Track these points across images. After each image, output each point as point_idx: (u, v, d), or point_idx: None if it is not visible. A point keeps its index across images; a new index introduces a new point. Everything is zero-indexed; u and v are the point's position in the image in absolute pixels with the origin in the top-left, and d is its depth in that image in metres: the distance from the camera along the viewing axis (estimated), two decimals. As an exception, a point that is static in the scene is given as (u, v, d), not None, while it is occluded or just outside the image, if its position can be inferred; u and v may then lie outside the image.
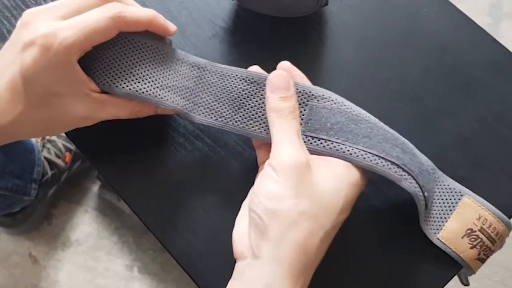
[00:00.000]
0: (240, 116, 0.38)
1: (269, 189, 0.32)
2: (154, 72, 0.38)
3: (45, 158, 0.97)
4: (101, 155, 0.44)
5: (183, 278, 1.04)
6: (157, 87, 0.38)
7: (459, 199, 0.38)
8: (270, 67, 0.45)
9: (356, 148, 0.35)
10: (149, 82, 0.37)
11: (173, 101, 0.38)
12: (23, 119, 0.35)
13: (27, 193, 0.91)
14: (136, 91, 0.37)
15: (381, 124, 0.37)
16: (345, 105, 0.37)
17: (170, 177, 0.43)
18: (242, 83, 0.38)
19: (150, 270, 1.06)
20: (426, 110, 0.44)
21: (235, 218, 0.42)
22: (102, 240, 1.08)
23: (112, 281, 1.05)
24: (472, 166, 0.43)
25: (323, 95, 0.37)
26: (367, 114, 0.37)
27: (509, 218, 0.42)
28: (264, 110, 0.37)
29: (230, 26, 0.46)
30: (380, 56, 0.46)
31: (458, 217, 0.38)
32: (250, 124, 0.38)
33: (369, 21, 0.47)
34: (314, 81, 0.45)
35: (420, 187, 0.35)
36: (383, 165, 0.34)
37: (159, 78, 0.38)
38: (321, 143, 0.36)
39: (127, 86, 0.37)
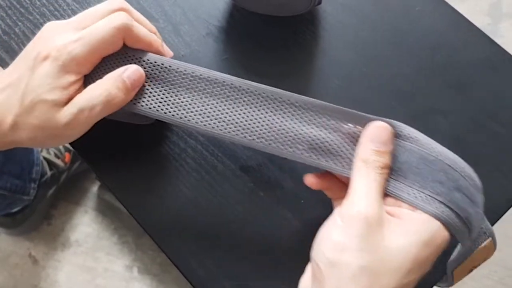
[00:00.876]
0: (288, 139, 0.35)
1: (333, 238, 0.31)
2: (161, 90, 0.37)
3: (44, 158, 0.97)
4: (95, 153, 0.44)
5: (182, 278, 1.04)
6: (167, 104, 0.37)
7: (484, 239, 0.36)
8: (264, 66, 0.46)
9: (423, 193, 0.32)
10: (156, 99, 0.37)
11: (189, 119, 0.36)
12: (21, 123, 0.35)
13: (26, 193, 0.91)
14: (148, 107, 0.37)
15: (459, 163, 0.34)
16: (418, 140, 0.34)
17: (163, 175, 0.43)
18: (287, 108, 0.35)
19: (150, 271, 1.06)
20: (419, 109, 0.44)
21: (229, 218, 0.42)
22: (102, 240, 1.08)
23: (112, 282, 1.05)
24: (466, 164, 0.42)
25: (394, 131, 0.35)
26: (445, 153, 0.34)
27: (503, 214, 0.42)
28: (322, 138, 0.35)
29: (224, 25, 0.47)
30: (374, 55, 0.46)
31: (475, 256, 0.37)
32: (298, 148, 0.35)
33: (363, 20, 0.47)
34: (308, 80, 0.45)
35: (471, 240, 0.34)
36: (447, 215, 0.32)
37: (169, 95, 0.37)
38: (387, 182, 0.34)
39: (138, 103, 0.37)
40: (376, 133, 0.33)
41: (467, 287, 1.01)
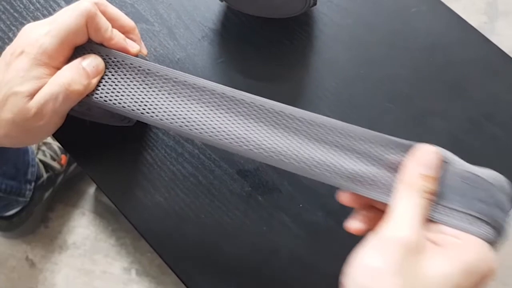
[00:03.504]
0: (295, 153, 0.34)
1: (367, 263, 0.29)
2: (123, 85, 0.37)
3: (41, 160, 0.97)
4: (89, 156, 0.44)
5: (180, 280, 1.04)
6: (130, 98, 0.37)
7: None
8: (259, 68, 0.45)
9: (467, 214, 0.31)
10: (118, 93, 0.37)
11: (154, 116, 0.36)
12: None
13: (22, 194, 0.91)
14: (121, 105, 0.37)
15: (497, 177, 0.32)
16: (456, 161, 0.33)
17: (160, 180, 0.43)
18: (296, 122, 0.35)
19: (148, 273, 1.06)
20: (417, 110, 0.44)
21: (227, 222, 0.42)
22: (100, 242, 1.08)
23: (110, 284, 1.05)
24: (464, 166, 0.42)
25: None
26: (480, 169, 0.32)
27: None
28: (332, 155, 0.34)
29: (219, 28, 0.46)
30: (370, 56, 0.45)
31: None
32: (307, 162, 0.34)
33: (359, 21, 0.46)
34: (304, 83, 0.45)
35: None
36: (492, 235, 0.31)
37: (132, 91, 0.37)
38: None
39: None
40: (424, 157, 0.32)
41: (465, 285, 1.01)
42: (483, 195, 0.31)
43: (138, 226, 0.42)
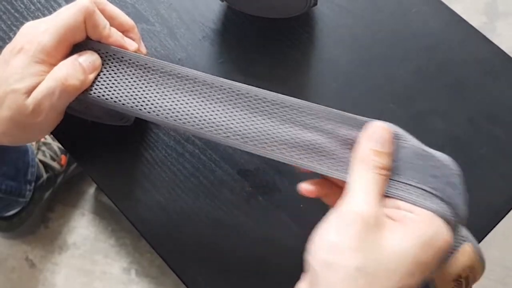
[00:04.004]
0: (262, 137, 0.34)
1: (329, 239, 0.29)
2: (119, 81, 0.37)
3: (40, 161, 0.97)
4: (89, 157, 0.43)
5: (181, 281, 1.03)
6: (134, 98, 0.37)
7: (460, 243, 0.35)
8: (260, 68, 0.45)
9: (421, 189, 0.32)
10: (114, 90, 0.37)
11: (157, 113, 0.36)
12: None
13: (22, 195, 0.91)
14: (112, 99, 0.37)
15: (447, 158, 0.33)
16: (407, 137, 0.33)
17: (161, 180, 0.43)
18: (265, 103, 0.35)
19: (148, 273, 1.06)
20: (418, 111, 0.44)
21: (228, 223, 0.42)
22: (99, 243, 1.08)
23: (110, 284, 1.05)
24: (464, 166, 0.42)
25: None
26: (431, 149, 0.33)
27: (503, 217, 0.42)
28: (315, 141, 0.34)
29: (220, 28, 0.46)
30: (371, 57, 0.45)
31: (455, 262, 0.35)
32: (272, 145, 0.34)
33: (360, 21, 0.46)
34: (305, 83, 0.45)
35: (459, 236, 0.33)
36: (446, 211, 0.31)
37: (131, 88, 0.37)
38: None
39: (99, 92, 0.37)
40: (375, 133, 0.33)
41: (465, 286, 1.01)
42: (436, 172, 0.32)
43: (138, 226, 0.42)
